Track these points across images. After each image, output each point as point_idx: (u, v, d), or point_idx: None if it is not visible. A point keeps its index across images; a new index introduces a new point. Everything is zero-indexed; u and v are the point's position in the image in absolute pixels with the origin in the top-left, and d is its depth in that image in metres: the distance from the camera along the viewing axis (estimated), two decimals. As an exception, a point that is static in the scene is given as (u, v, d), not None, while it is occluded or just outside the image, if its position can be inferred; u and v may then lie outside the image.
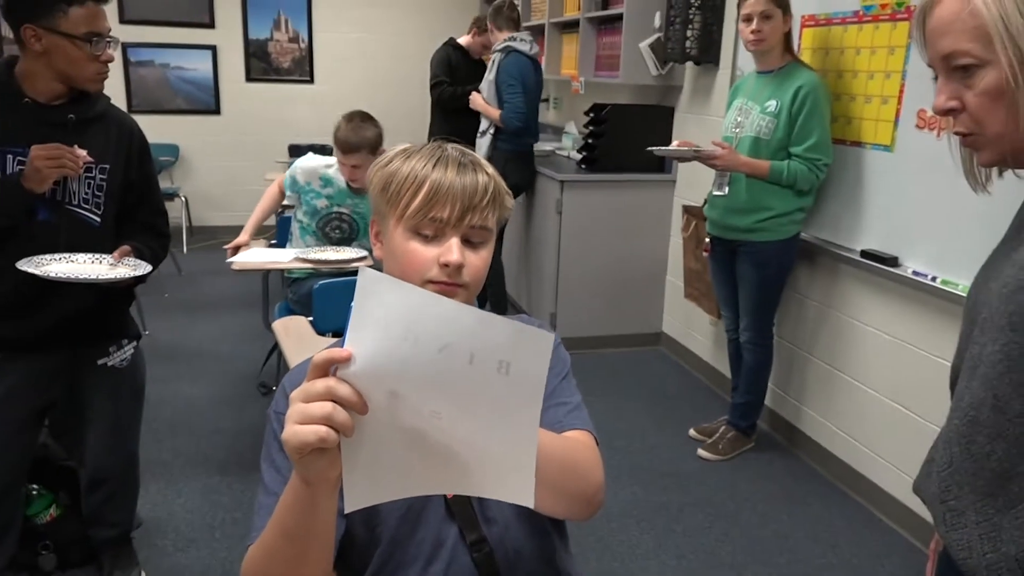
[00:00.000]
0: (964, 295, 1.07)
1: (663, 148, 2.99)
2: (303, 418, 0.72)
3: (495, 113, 4.17)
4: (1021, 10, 0.85)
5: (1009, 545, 0.91)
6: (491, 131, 4.24)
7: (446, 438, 0.74)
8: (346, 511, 0.78)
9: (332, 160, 3.05)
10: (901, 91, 2.59)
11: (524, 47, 4.18)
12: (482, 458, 0.75)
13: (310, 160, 3.10)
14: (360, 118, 2.89)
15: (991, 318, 0.94)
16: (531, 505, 0.76)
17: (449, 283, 1.00)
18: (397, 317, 0.71)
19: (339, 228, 3.10)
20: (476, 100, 4.30)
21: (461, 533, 1.03)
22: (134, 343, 2.12)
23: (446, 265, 0.99)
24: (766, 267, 2.95)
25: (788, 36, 2.84)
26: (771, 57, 2.85)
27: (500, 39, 4.24)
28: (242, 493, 2.77)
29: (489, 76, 4.26)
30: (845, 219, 2.89)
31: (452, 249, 0.99)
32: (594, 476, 1.00)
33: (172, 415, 3.35)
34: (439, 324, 0.70)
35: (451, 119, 4.78)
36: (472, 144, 4.84)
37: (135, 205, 2.02)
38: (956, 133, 0.97)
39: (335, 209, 3.07)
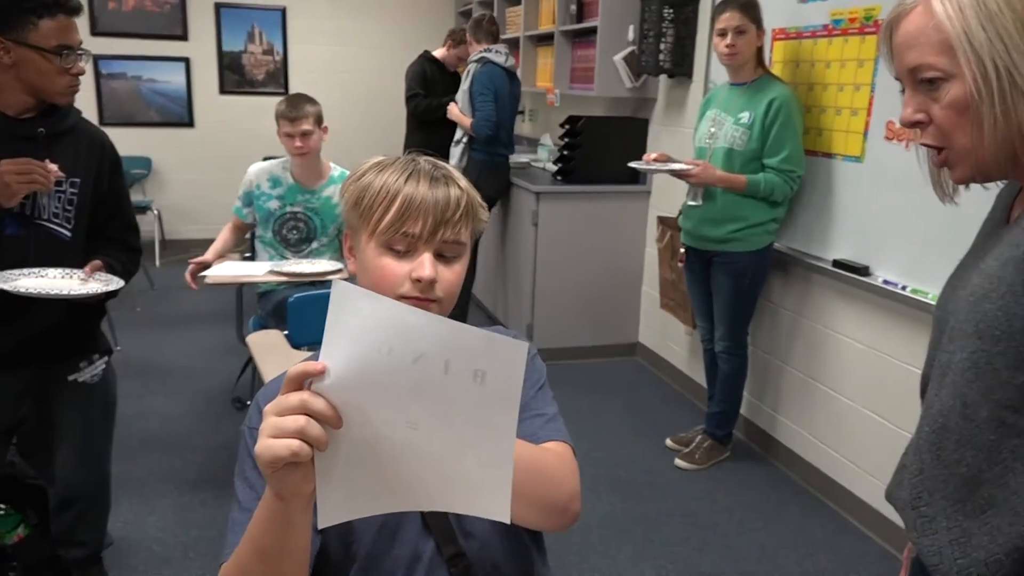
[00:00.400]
0: (934, 304, 1.09)
1: (641, 163, 3.02)
2: (276, 432, 0.71)
3: (467, 122, 4.19)
4: (984, 24, 0.87)
5: (979, 550, 0.92)
6: (464, 140, 4.25)
7: (422, 452, 0.74)
8: (320, 527, 0.77)
9: (278, 160, 3.09)
10: (870, 103, 2.63)
11: (499, 59, 4.20)
12: (459, 472, 0.74)
13: (257, 164, 3.12)
14: (298, 96, 3.01)
15: (959, 326, 0.96)
16: (507, 521, 0.75)
17: (422, 298, 0.99)
18: (371, 329, 0.71)
19: (295, 228, 3.09)
20: (452, 110, 4.33)
21: (438, 547, 1.03)
22: (105, 358, 2.09)
23: (418, 280, 0.98)
24: (741, 277, 2.98)
25: (760, 50, 2.89)
26: (745, 70, 2.88)
27: (477, 51, 4.26)
28: (216, 510, 2.73)
29: (464, 86, 4.28)
30: (817, 229, 2.93)
31: (424, 265, 0.98)
32: (567, 484, 0.99)
33: (145, 431, 3.30)
34: (413, 335, 0.70)
35: (426, 131, 4.78)
36: (447, 157, 4.85)
37: (106, 219, 2.00)
38: (924, 145, 0.99)
39: (288, 209, 3.06)
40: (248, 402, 3.54)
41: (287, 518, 0.79)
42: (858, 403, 2.80)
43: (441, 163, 1.06)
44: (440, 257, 1.01)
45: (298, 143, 2.93)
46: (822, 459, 2.99)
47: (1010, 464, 0.90)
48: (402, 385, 0.71)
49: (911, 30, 0.93)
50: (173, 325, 4.68)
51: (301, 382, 0.73)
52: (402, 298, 0.99)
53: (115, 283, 1.87)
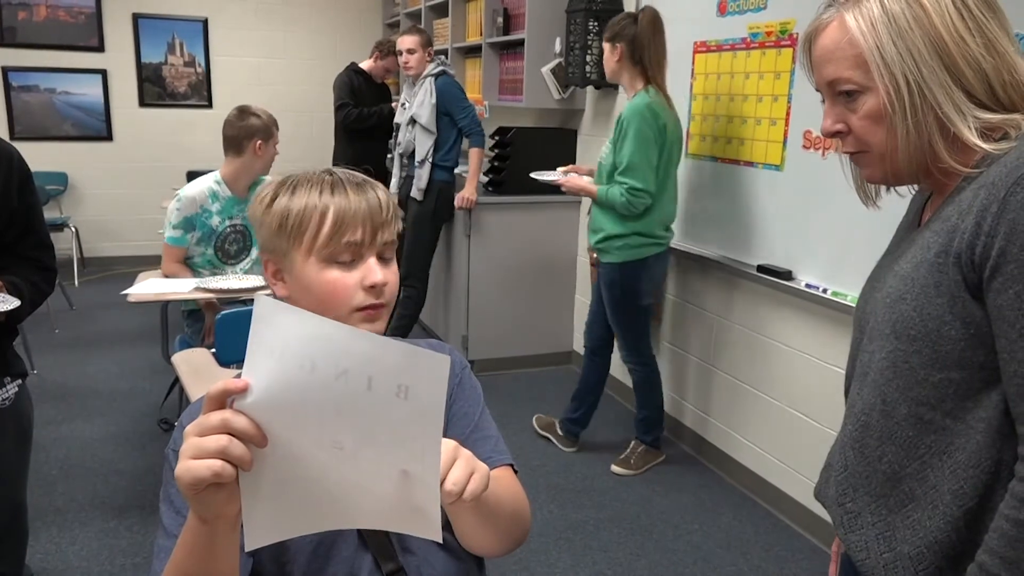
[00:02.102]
0: (854, 305, 1.13)
1: (538, 173, 3.25)
2: (197, 452, 0.69)
3: (477, 163, 4.07)
4: (895, 40, 0.91)
5: (903, 544, 0.96)
6: (430, 160, 4.04)
7: (349, 470, 0.73)
8: (247, 549, 0.75)
9: (208, 177, 3.01)
10: (788, 113, 2.72)
11: (452, 71, 4.20)
12: (386, 490, 0.73)
13: (190, 189, 2.98)
14: (250, 108, 3.01)
15: (877, 327, 0.99)
16: (439, 540, 0.75)
17: (376, 305, 1.01)
18: (294, 345, 0.70)
19: (235, 240, 3.06)
20: (469, 195, 4.03)
21: (376, 564, 1.01)
22: (18, 381, 1.99)
23: (372, 287, 1.00)
24: (611, 288, 3.05)
25: (642, 65, 2.89)
26: (624, 86, 3.00)
27: (434, 63, 4.16)
28: (143, 537, 2.64)
29: (431, 99, 4.02)
30: (741, 236, 3.01)
31: (375, 270, 1.00)
32: (529, 516, 1.05)
33: (66, 458, 3.16)
34: (337, 350, 0.69)
35: (356, 142, 4.74)
36: (379, 166, 4.80)
37: (17, 238, 1.90)
38: (845, 153, 1.03)
39: (228, 223, 3.01)
40: (176, 423, 3.44)
41: (211, 542, 0.77)
42: (785, 403, 2.88)
43: (356, 172, 1.07)
44: (379, 259, 1.03)
45: (273, 153, 3.01)
46: (753, 459, 3.06)
47: (928, 460, 0.94)
48: (326, 402, 0.70)
49: (827, 44, 0.97)
50: (94, 346, 4.50)
51: (222, 401, 0.71)
52: (357, 310, 1.00)
53: (10, 303, 1.78)
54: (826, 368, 2.67)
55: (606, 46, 2.92)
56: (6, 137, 2.42)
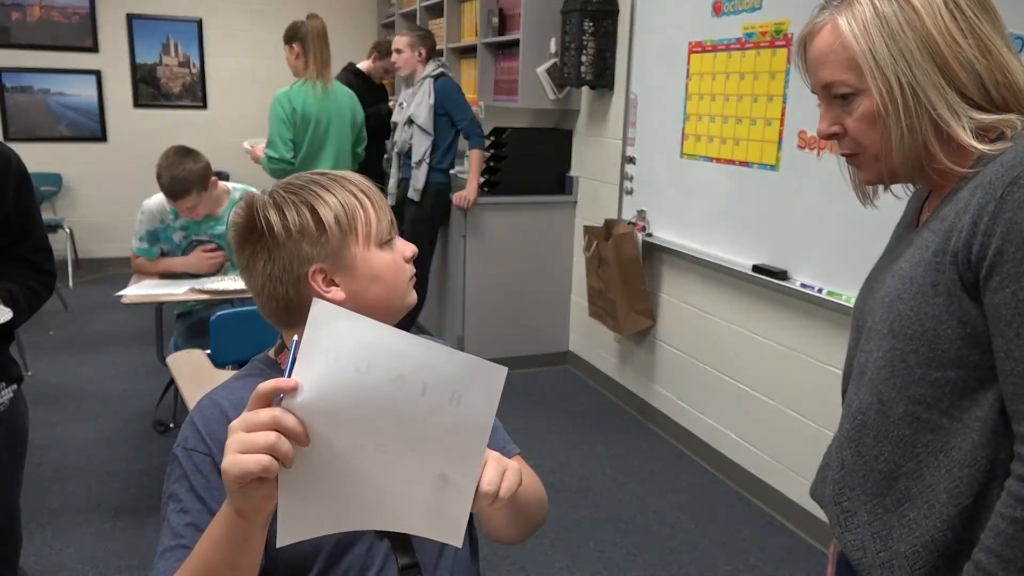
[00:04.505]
0: (850, 305, 1.14)
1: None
2: (245, 447, 0.71)
3: (477, 164, 4.04)
4: (887, 43, 0.91)
5: (899, 543, 0.96)
6: (427, 161, 4.05)
7: (388, 472, 0.74)
8: (279, 544, 0.76)
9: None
10: (783, 114, 2.73)
11: (451, 73, 4.20)
12: (420, 492, 0.75)
13: (150, 202, 2.98)
14: (176, 154, 2.80)
15: (875, 327, 1.00)
16: (459, 545, 0.78)
17: (413, 273, 1.06)
18: (350, 348, 0.71)
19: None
20: (468, 195, 4.02)
21: (394, 556, 1.01)
22: (14, 386, 1.98)
23: (409, 258, 1.06)
24: None
25: (306, 60, 3.68)
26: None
27: (432, 65, 4.14)
28: (138, 539, 2.63)
29: (429, 100, 4.03)
30: (737, 235, 3.01)
31: (406, 243, 1.06)
32: (547, 497, 1.11)
33: (60, 460, 3.15)
34: (394, 355, 0.71)
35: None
36: (376, 167, 4.80)
37: (15, 241, 1.90)
38: (843, 154, 1.03)
39: (193, 238, 3.01)
40: (171, 424, 3.43)
41: (246, 536, 0.78)
42: (781, 403, 2.88)
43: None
44: None
45: (187, 215, 2.91)
46: (748, 459, 3.06)
47: (924, 458, 0.94)
48: (376, 405, 0.72)
49: (821, 47, 0.97)
50: (89, 348, 4.49)
51: (270, 399, 0.73)
52: (408, 281, 1.06)
53: (3, 315, 1.77)
54: (821, 368, 2.67)
55: (286, 47, 3.62)
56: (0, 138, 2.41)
